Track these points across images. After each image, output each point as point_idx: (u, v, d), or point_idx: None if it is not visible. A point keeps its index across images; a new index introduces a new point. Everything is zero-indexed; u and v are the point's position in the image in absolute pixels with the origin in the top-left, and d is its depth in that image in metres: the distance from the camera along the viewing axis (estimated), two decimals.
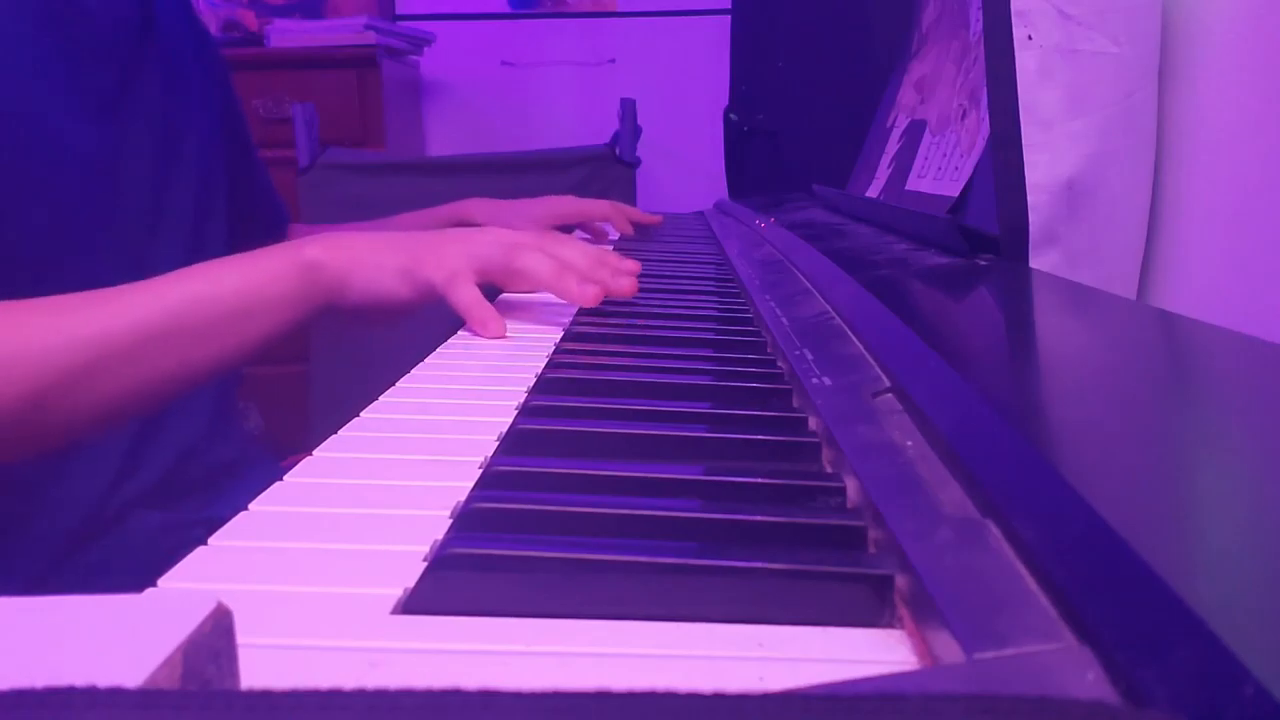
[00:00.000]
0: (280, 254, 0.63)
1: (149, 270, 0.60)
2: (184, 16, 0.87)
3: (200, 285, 0.60)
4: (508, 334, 0.64)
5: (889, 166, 1.01)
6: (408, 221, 1.15)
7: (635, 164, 1.89)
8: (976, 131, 0.73)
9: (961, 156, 0.76)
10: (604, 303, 0.66)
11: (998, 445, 0.30)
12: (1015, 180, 0.64)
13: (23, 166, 0.67)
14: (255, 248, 0.98)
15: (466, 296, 0.63)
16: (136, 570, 0.27)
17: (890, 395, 0.40)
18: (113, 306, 0.57)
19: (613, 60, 2.60)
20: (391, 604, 0.27)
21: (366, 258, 0.64)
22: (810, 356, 0.50)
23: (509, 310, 0.69)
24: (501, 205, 1.18)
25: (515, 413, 0.45)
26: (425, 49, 2.58)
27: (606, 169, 1.87)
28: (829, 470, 0.38)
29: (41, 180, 0.68)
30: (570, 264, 0.66)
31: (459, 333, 0.64)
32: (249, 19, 2.51)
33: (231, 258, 0.64)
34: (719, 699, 0.16)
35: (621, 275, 0.67)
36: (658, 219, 1.34)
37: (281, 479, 0.36)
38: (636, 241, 1.22)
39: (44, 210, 0.68)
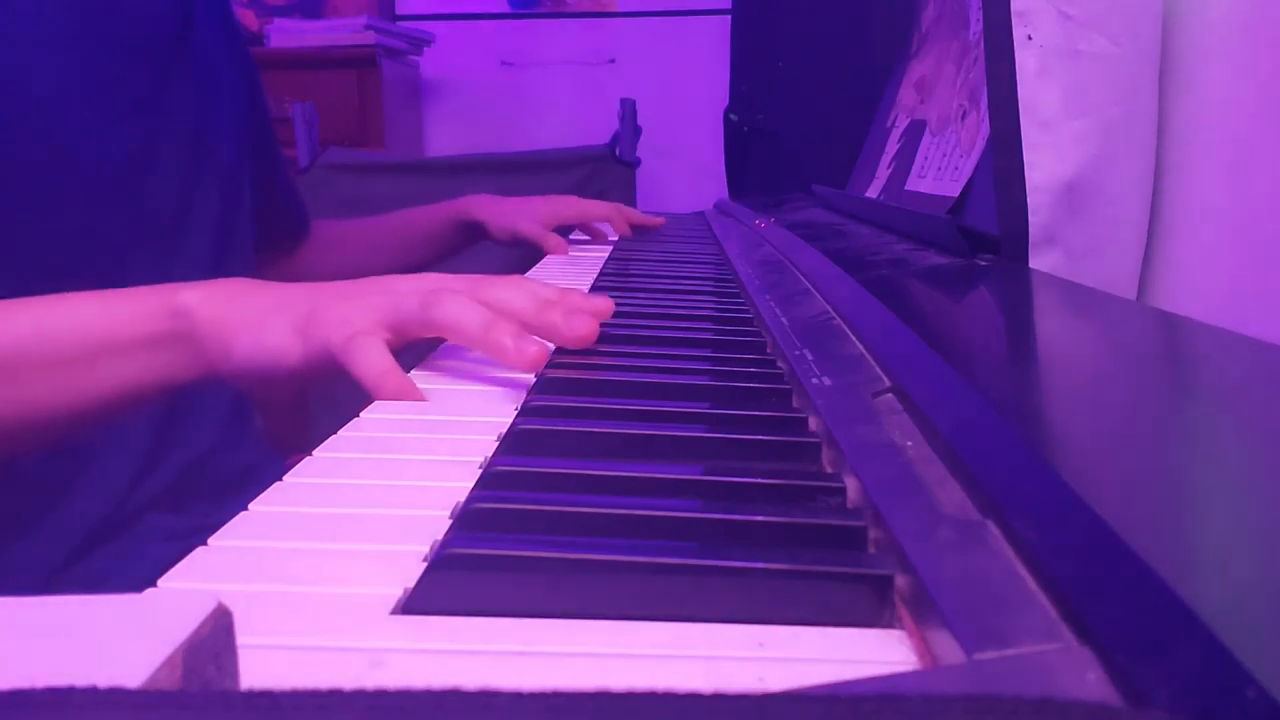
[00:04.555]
0: (150, 294, 0.55)
1: (173, 273, 0.59)
2: (222, 19, 0.86)
3: (46, 317, 0.54)
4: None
5: (889, 166, 1.01)
6: (406, 219, 1.15)
7: (635, 164, 1.89)
8: (976, 131, 0.73)
9: (961, 156, 0.76)
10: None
11: (998, 445, 0.30)
12: (1015, 180, 0.64)
13: (48, 164, 0.66)
14: (277, 249, 0.97)
15: (368, 364, 0.48)
16: (143, 574, 0.27)
17: (890, 395, 0.40)
18: None
19: (613, 60, 2.60)
20: (391, 604, 0.27)
21: (253, 310, 0.53)
22: (810, 356, 0.50)
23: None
24: (504, 202, 1.15)
25: (515, 413, 0.45)
26: (425, 49, 2.58)
27: (606, 169, 1.87)
28: (829, 470, 0.38)
29: (67, 179, 0.68)
30: (509, 312, 0.52)
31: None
32: (249, 19, 2.51)
33: (99, 292, 0.56)
34: (719, 699, 0.16)
35: (577, 316, 0.53)
36: (659, 221, 1.32)
37: (281, 479, 0.36)
38: (636, 241, 1.22)
39: (68, 209, 0.68)
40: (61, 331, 0.53)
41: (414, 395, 0.48)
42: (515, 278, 0.56)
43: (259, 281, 0.56)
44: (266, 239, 0.95)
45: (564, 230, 1.17)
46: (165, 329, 0.53)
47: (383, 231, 1.14)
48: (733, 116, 1.90)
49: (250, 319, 0.52)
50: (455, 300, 0.51)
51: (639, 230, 1.28)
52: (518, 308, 0.52)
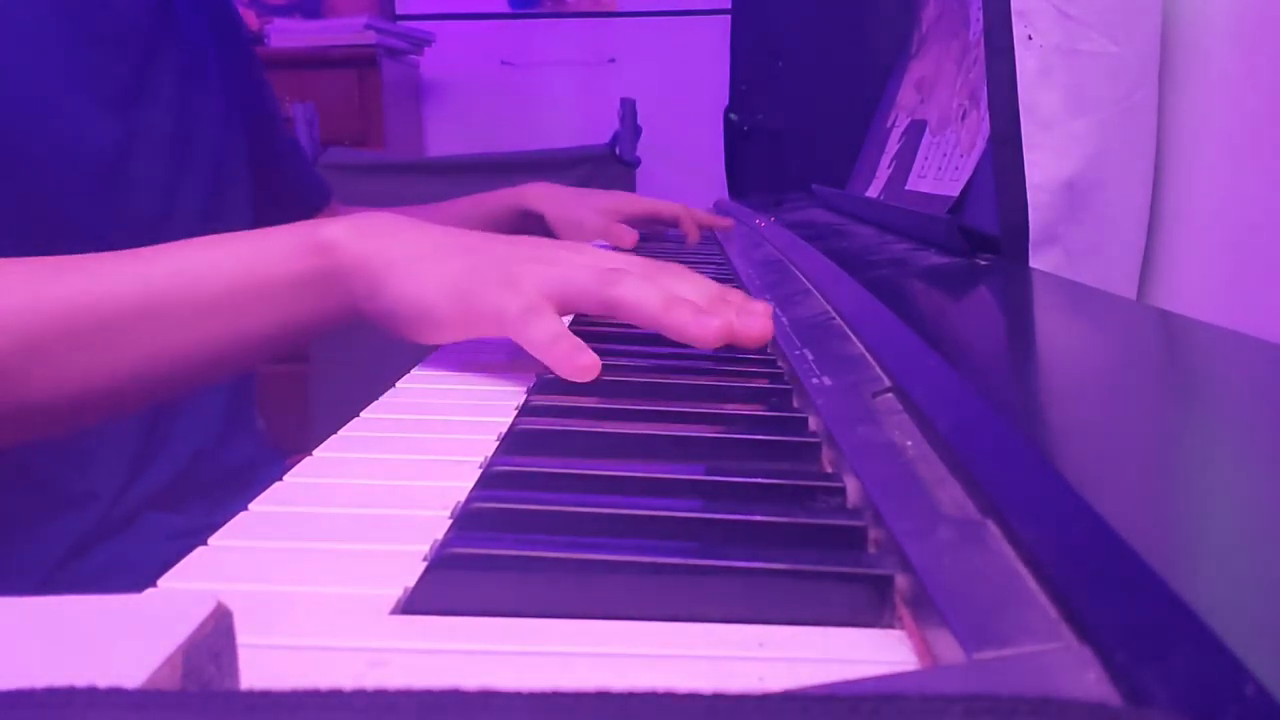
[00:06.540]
0: (292, 232, 0.53)
1: None
2: (206, 4, 0.86)
3: (190, 261, 0.52)
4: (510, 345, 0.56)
5: (889, 166, 1.01)
6: (462, 207, 1.11)
7: (635, 164, 1.89)
8: (976, 131, 0.73)
9: (961, 156, 0.76)
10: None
11: (998, 445, 0.30)
12: (1015, 180, 0.64)
13: (32, 157, 0.66)
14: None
15: (544, 333, 0.48)
16: (143, 574, 0.27)
17: (890, 395, 0.40)
18: (88, 274, 0.50)
19: (613, 60, 2.60)
20: (391, 604, 0.27)
21: (406, 251, 0.51)
22: (810, 356, 0.50)
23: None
24: (564, 192, 1.12)
25: (515, 412, 0.45)
26: (425, 49, 2.58)
27: (606, 169, 1.87)
28: (829, 470, 0.38)
29: (50, 171, 0.67)
30: (682, 296, 0.51)
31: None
32: (249, 19, 2.51)
33: (238, 234, 0.54)
34: (719, 699, 0.16)
35: (751, 315, 0.50)
36: (730, 222, 1.24)
37: (281, 479, 0.36)
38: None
39: (52, 201, 0.68)
40: (206, 278, 0.51)
41: (588, 356, 0.47)
42: (679, 266, 0.55)
43: (404, 218, 0.55)
44: (284, 217, 0.94)
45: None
46: (310, 267, 0.51)
47: (440, 219, 1.11)
48: (733, 116, 1.90)
49: (398, 259, 0.51)
50: (634, 280, 0.50)
51: (705, 231, 1.22)
52: (690, 295, 0.51)
